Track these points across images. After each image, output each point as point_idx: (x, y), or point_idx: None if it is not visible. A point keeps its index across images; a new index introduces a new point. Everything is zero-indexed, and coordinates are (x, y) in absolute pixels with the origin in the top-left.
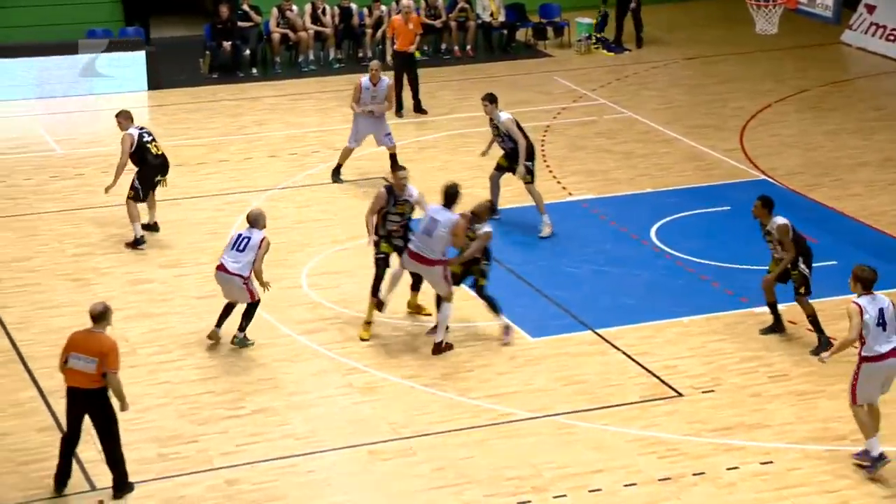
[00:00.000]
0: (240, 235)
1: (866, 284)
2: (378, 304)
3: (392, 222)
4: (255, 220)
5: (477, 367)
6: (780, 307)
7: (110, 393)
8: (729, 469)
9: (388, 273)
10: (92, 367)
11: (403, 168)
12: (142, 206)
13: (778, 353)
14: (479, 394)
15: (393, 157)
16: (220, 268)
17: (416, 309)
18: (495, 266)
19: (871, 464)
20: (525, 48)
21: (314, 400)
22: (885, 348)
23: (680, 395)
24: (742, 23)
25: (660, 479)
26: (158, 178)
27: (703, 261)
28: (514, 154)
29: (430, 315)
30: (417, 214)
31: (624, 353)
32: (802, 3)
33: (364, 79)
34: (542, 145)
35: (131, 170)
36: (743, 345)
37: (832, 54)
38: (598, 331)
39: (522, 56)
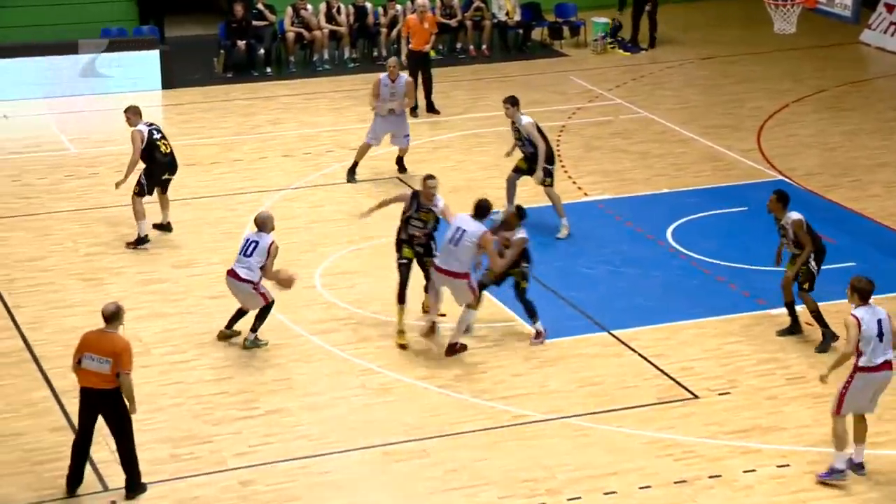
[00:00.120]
0: (248, 240)
1: (864, 295)
2: (429, 330)
3: (414, 227)
4: (263, 224)
5: (491, 369)
6: (798, 308)
7: (123, 400)
8: (745, 472)
9: (432, 290)
10: (106, 367)
11: (433, 177)
12: (153, 207)
13: (795, 355)
14: (493, 395)
15: (400, 159)
16: (231, 273)
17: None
18: None
19: (828, 473)
20: (541, 48)
21: (328, 401)
22: (879, 360)
23: (696, 397)
24: (759, 22)
25: (675, 482)
26: (166, 176)
27: (719, 262)
28: (534, 157)
29: (444, 315)
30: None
31: (639, 355)
32: (821, 2)
33: (382, 76)
34: (558, 145)
35: (139, 167)
36: (760, 347)
37: (851, 54)
38: (613, 332)
39: (538, 56)
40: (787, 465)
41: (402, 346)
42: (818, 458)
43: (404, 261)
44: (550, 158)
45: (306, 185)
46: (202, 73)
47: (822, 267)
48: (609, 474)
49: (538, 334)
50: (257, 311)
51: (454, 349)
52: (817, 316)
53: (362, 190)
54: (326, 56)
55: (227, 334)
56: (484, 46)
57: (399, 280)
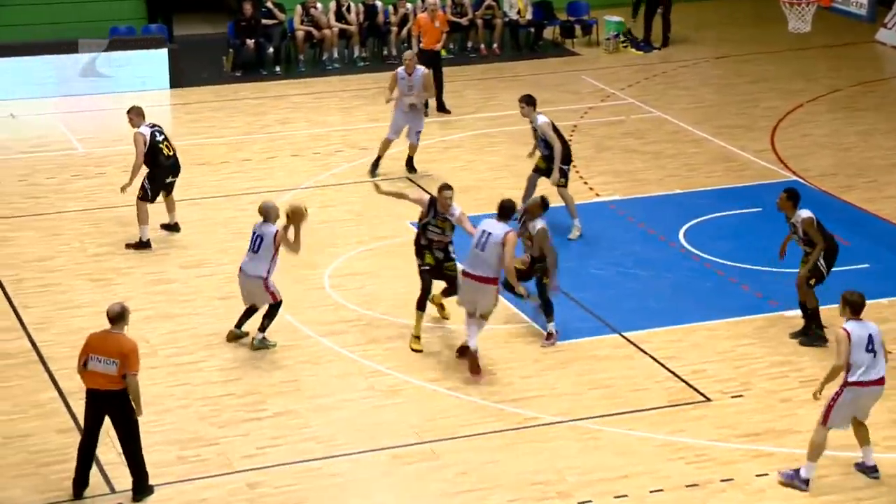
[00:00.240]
0: (254, 234)
1: (855, 309)
2: (472, 367)
3: (432, 233)
4: (267, 213)
5: (501, 371)
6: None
7: (130, 401)
8: (758, 476)
9: (468, 327)
10: (113, 368)
11: (450, 187)
12: (158, 207)
13: (808, 357)
14: (503, 397)
15: (410, 159)
16: (241, 271)
17: (438, 305)
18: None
19: (793, 475)
20: (552, 46)
21: (336, 403)
22: (872, 376)
23: (708, 399)
24: (773, 21)
25: (687, 486)
26: (170, 178)
27: (732, 263)
28: (550, 158)
29: (447, 319)
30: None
31: (651, 357)
32: (836, 0)
33: (399, 69)
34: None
35: (143, 170)
36: (773, 349)
37: (866, 53)
38: (625, 334)
39: (549, 54)
40: (801, 469)
41: (416, 351)
42: (831, 462)
43: (426, 267)
44: (566, 158)
45: (315, 185)
46: (211, 72)
47: (837, 268)
48: (620, 477)
49: (550, 335)
50: (265, 310)
51: (466, 353)
52: (815, 314)
53: (372, 190)
54: (336, 55)
55: (236, 334)
56: (495, 45)
57: (422, 287)
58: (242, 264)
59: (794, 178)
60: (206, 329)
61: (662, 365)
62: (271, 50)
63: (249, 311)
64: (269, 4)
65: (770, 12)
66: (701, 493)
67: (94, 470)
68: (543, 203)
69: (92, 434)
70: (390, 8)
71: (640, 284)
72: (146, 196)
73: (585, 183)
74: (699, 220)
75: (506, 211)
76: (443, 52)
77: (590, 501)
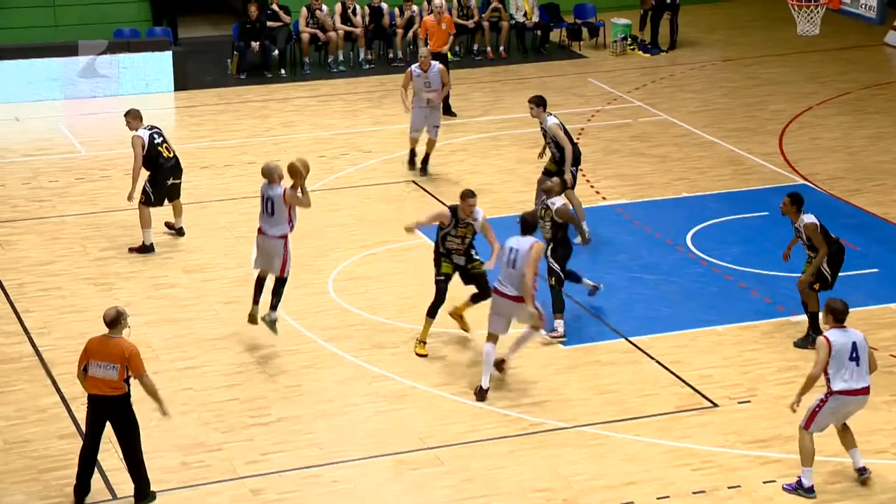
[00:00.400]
0: (264, 196)
1: (837, 317)
2: (480, 394)
3: (452, 242)
4: (270, 174)
5: (507, 376)
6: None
7: (133, 400)
8: (765, 482)
9: (486, 355)
10: (113, 373)
11: (474, 194)
12: (163, 211)
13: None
14: (508, 403)
15: (426, 158)
16: (261, 232)
17: (458, 318)
18: None
19: (795, 486)
20: (559, 49)
21: (340, 408)
22: (859, 384)
23: (715, 405)
24: (781, 24)
25: (694, 492)
26: (171, 180)
27: (740, 268)
28: (561, 159)
29: (467, 332)
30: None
31: (657, 363)
32: (845, 3)
33: (414, 66)
34: None
35: (144, 174)
36: (780, 354)
37: (875, 56)
38: (631, 339)
39: (556, 57)
40: (801, 479)
41: (421, 356)
42: (839, 469)
43: (442, 277)
44: (576, 160)
45: (320, 188)
46: (215, 75)
47: (846, 273)
48: (626, 484)
49: (555, 331)
50: (273, 287)
51: (500, 366)
52: (814, 318)
53: (376, 194)
54: (341, 57)
55: (255, 314)
56: (501, 48)
57: (435, 296)
58: (262, 227)
59: (803, 181)
60: (209, 334)
61: (669, 370)
62: (276, 52)
63: (260, 284)
64: (275, 7)
65: (778, 15)
66: (708, 500)
67: (95, 476)
68: (564, 183)
69: (93, 440)
70: (396, 10)
71: (646, 289)
72: (149, 200)
73: (592, 186)
74: (706, 223)
75: (528, 225)
76: (449, 55)
77: None
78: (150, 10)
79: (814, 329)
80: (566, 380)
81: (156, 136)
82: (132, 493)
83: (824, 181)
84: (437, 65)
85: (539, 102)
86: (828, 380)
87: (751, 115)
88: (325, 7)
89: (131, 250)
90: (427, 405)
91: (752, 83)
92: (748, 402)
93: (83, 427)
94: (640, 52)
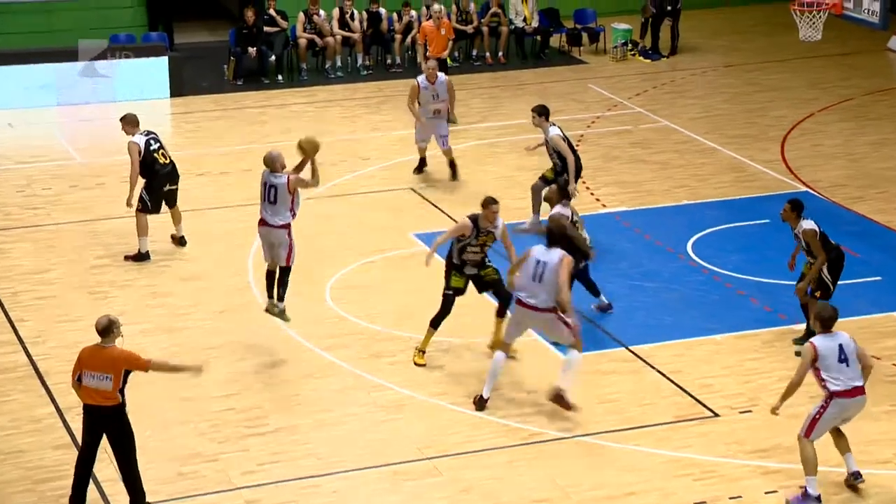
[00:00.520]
0: (266, 184)
1: (825, 323)
2: (480, 404)
3: (471, 252)
4: (273, 163)
5: (505, 385)
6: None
7: (128, 409)
8: (767, 493)
9: (494, 363)
10: (107, 383)
11: (496, 201)
12: (159, 219)
13: None
14: (507, 412)
15: (451, 163)
16: (263, 223)
17: (499, 347)
18: None
19: (800, 498)
20: (559, 55)
21: (338, 418)
22: (854, 383)
23: (716, 415)
24: (784, 29)
25: (695, 503)
26: (168, 187)
27: (741, 276)
28: (562, 169)
29: (513, 358)
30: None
31: (658, 372)
32: (848, 8)
33: (420, 78)
34: None
35: (140, 180)
36: (781, 363)
37: (878, 61)
38: (631, 348)
39: (556, 63)
40: (806, 488)
41: (419, 365)
42: (841, 478)
43: (450, 292)
44: (577, 171)
45: (318, 195)
46: (212, 81)
47: (849, 281)
48: (626, 494)
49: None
50: (278, 278)
51: (560, 399)
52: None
53: (374, 201)
54: (339, 63)
55: (273, 304)
56: (500, 53)
57: (441, 309)
58: (264, 216)
59: (805, 188)
60: (205, 343)
61: (669, 379)
62: (273, 58)
63: (272, 277)
64: (272, 12)
65: (780, 20)
66: None
67: (91, 487)
68: (563, 192)
69: (89, 450)
70: (394, 15)
71: (647, 297)
72: (145, 208)
73: (592, 194)
74: (707, 231)
75: (554, 237)
76: (448, 61)
77: None
78: (145, 15)
79: (809, 333)
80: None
81: (152, 142)
82: None
83: (826, 188)
84: (443, 76)
85: (542, 112)
86: (824, 385)
87: (752, 121)
88: (322, 12)
89: (127, 258)
90: (425, 415)
91: (754, 89)
92: (749, 411)
93: (78, 437)
94: (641, 58)
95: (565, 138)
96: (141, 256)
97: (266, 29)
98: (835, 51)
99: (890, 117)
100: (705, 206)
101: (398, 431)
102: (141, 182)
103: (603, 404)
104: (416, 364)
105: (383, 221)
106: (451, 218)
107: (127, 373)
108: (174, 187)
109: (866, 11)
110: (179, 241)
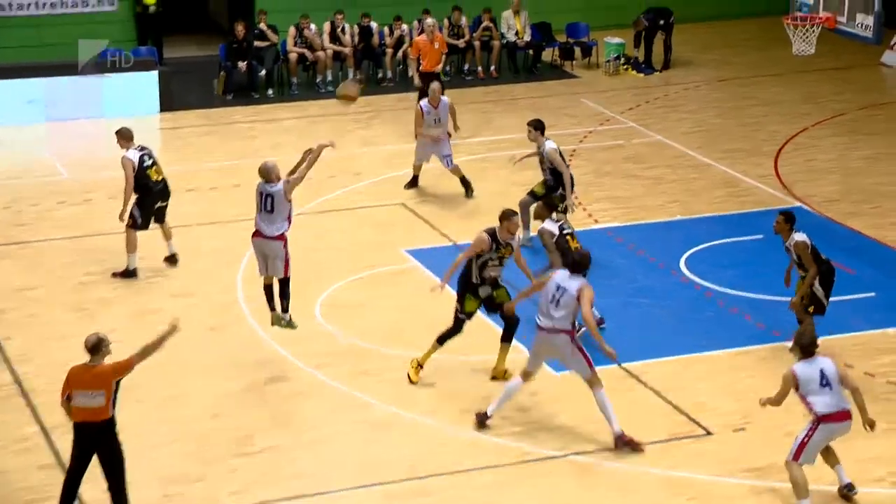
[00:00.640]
0: (262, 194)
1: (805, 349)
2: (480, 420)
3: (492, 268)
4: (268, 173)
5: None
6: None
7: (117, 430)
8: None
9: (508, 387)
10: (99, 400)
11: (515, 212)
12: (149, 236)
13: None
14: (499, 432)
15: (463, 179)
16: (258, 234)
17: (501, 375)
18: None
19: None
20: (551, 69)
21: (327, 437)
22: (840, 407)
23: (709, 433)
24: (777, 43)
25: None
26: (159, 204)
27: (735, 292)
28: (553, 185)
29: (507, 379)
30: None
31: (651, 389)
32: (841, 22)
33: (423, 103)
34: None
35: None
36: (776, 381)
37: (871, 76)
38: (624, 365)
39: (548, 77)
40: None
41: (412, 381)
42: (837, 497)
43: (463, 316)
44: (570, 185)
45: (308, 211)
46: (201, 96)
47: (843, 297)
48: None
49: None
50: (279, 290)
51: (623, 440)
52: None
53: (364, 218)
54: (330, 77)
55: (278, 316)
56: (492, 68)
57: (451, 329)
58: (259, 227)
59: (798, 203)
60: (194, 361)
61: (662, 397)
62: (263, 72)
63: (270, 290)
64: (262, 26)
65: (773, 34)
66: None
67: None
68: (549, 206)
69: (78, 469)
70: (385, 30)
71: (639, 314)
72: (136, 224)
73: (584, 209)
74: (701, 247)
75: (577, 266)
76: (442, 76)
77: None
78: (135, 29)
79: None
80: (558, 408)
81: (146, 157)
82: None
83: (820, 203)
84: (446, 99)
85: (538, 126)
86: (810, 409)
87: (746, 135)
88: (313, 26)
89: (115, 275)
90: (415, 434)
91: (747, 103)
92: (743, 429)
93: (64, 457)
94: (634, 72)
95: (561, 154)
96: (129, 273)
97: (256, 43)
98: (828, 65)
99: (884, 132)
100: (699, 222)
101: (388, 451)
102: (133, 198)
103: (595, 423)
104: (409, 380)
105: (374, 237)
106: (442, 234)
107: (118, 383)
108: (164, 204)
109: (860, 26)
110: (171, 259)
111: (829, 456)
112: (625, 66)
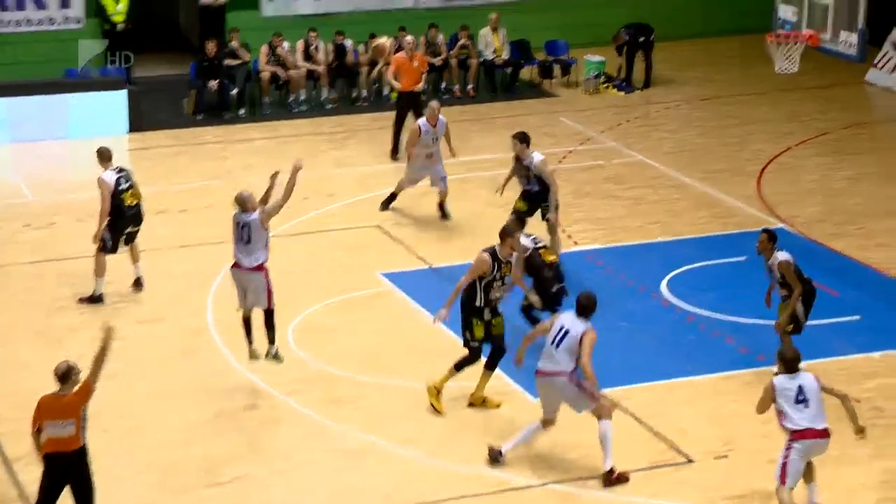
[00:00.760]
0: (239, 224)
1: (788, 365)
2: (493, 456)
3: (497, 289)
4: (244, 203)
5: (474, 431)
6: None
7: (89, 459)
8: None
9: (528, 429)
10: (70, 429)
11: (516, 230)
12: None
13: None
14: (476, 461)
15: (441, 204)
16: (237, 266)
17: (481, 403)
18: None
19: None
20: (529, 87)
21: (298, 466)
22: (816, 425)
23: (691, 461)
24: (760, 61)
25: None
26: (130, 229)
27: (717, 315)
28: (537, 197)
29: (498, 408)
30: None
31: (631, 416)
32: (825, 40)
33: (422, 122)
34: None
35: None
36: None
37: (856, 94)
38: (604, 391)
39: (527, 96)
40: None
41: (437, 411)
42: None
43: (476, 344)
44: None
45: (281, 234)
46: (171, 115)
47: (827, 320)
48: None
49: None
50: (264, 322)
51: (611, 478)
52: None
53: (338, 240)
54: (303, 97)
55: (255, 351)
56: (470, 86)
57: (469, 357)
58: (238, 259)
59: (781, 224)
60: (162, 389)
61: (643, 424)
62: (235, 91)
63: (249, 324)
64: (234, 44)
65: (756, 52)
66: None
67: None
68: (520, 222)
69: (48, 502)
70: (360, 48)
71: (619, 338)
72: (105, 247)
73: (564, 231)
74: (682, 269)
75: (583, 308)
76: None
77: None
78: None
79: None
80: (537, 435)
81: (122, 180)
82: None
83: (803, 224)
84: (443, 119)
85: (523, 139)
86: (782, 425)
87: (728, 155)
88: (286, 44)
89: (81, 301)
90: (391, 462)
91: (730, 122)
92: (726, 456)
93: (27, 489)
94: (614, 90)
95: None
96: (95, 299)
97: (228, 62)
98: (812, 83)
99: (868, 151)
100: (680, 244)
101: (362, 479)
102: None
103: (574, 450)
104: (433, 407)
105: (348, 260)
106: (418, 257)
107: (84, 410)
108: (136, 229)
109: (844, 44)
110: (136, 283)
111: (806, 472)
112: (605, 85)
